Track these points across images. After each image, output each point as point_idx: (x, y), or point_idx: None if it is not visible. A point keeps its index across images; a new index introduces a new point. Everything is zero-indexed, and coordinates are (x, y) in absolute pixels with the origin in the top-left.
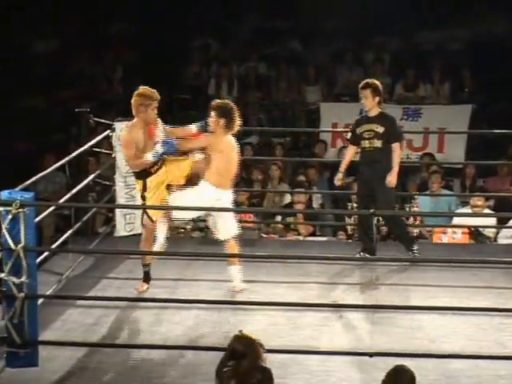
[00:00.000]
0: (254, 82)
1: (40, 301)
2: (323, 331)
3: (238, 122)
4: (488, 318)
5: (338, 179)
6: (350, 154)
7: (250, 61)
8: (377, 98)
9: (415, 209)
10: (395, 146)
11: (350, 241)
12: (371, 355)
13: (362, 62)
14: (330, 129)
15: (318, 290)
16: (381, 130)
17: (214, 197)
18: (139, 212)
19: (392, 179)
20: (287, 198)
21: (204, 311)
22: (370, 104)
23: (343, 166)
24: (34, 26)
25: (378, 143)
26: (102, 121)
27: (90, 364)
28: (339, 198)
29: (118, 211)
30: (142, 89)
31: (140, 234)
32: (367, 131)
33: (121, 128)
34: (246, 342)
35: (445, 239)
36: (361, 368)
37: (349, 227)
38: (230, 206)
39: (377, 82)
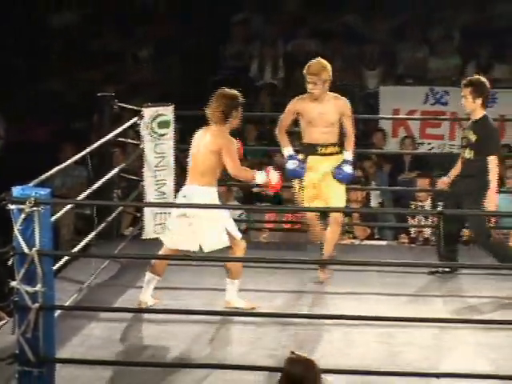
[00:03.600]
0: (303, 62)
1: (57, 312)
2: (381, 348)
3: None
4: None
5: (442, 182)
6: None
7: (297, 37)
8: (479, 100)
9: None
10: (490, 159)
11: (413, 245)
12: (438, 376)
13: (428, 39)
14: (391, 116)
15: (374, 302)
16: (473, 138)
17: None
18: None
19: (490, 202)
20: None
21: (245, 326)
22: (470, 106)
23: (453, 172)
24: None
25: (469, 154)
26: (129, 106)
27: None
28: (402, 196)
29: (147, 210)
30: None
31: None
32: (464, 138)
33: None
34: (304, 365)
35: None
36: None
37: (412, 229)
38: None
39: (482, 80)
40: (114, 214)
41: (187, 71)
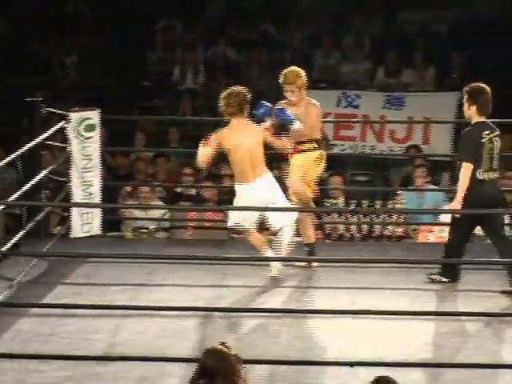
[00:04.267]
0: (223, 68)
1: None
2: (304, 339)
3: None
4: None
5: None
6: None
7: (217, 45)
8: (473, 107)
9: (398, 205)
10: (462, 166)
11: (327, 241)
12: (352, 365)
13: (340, 45)
14: None
15: (291, 295)
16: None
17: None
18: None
19: (455, 205)
20: None
21: (169, 319)
22: (466, 112)
23: None
24: None
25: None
26: (57, 111)
27: (46, 379)
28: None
29: (74, 210)
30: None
31: (99, 235)
32: None
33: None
34: (219, 358)
35: (431, 238)
36: (342, 379)
37: (327, 226)
38: None
39: (477, 87)
40: (42, 214)
41: (113, 77)
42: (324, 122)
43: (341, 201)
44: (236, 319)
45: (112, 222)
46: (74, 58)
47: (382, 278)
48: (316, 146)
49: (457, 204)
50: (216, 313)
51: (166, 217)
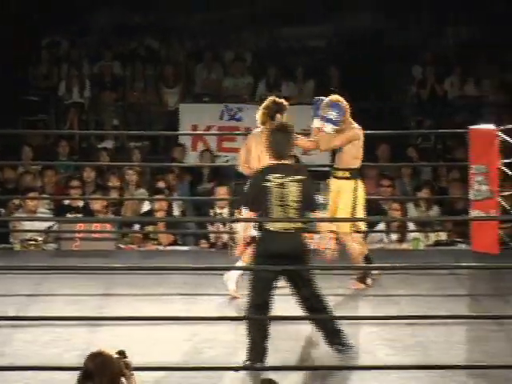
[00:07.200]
0: (109, 83)
1: None
2: (187, 346)
3: None
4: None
5: None
6: None
7: (103, 59)
8: None
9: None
10: None
11: (212, 249)
12: (237, 369)
13: (222, 60)
14: (190, 132)
15: (182, 302)
16: None
17: None
18: None
19: None
20: (146, 206)
21: (59, 328)
22: None
23: None
24: None
25: None
26: None
27: None
28: (202, 205)
29: None
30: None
31: None
32: None
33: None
34: (100, 360)
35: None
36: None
37: (211, 235)
38: None
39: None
40: None
41: None
42: (207, 134)
43: (226, 210)
44: (123, 327)
45: (0, 234)
46: None
47: None
48: (348, 175)
49: None
50: (104, 321)
51: (54, 228)
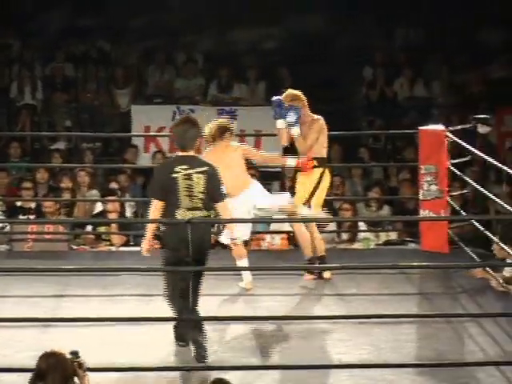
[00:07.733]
0: (61, 84)
1: None
2: (140, 346)
3: None
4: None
5: None
6: None
7: (55, 61)
8: None
9: None
10: None
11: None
12: (188, 370)
13: (174, 62)
14: (143, 133)
15: (135, 303)
16: None
17: None
18: None
19: None
20: (98, 207)
21: (12, 330)
22: None
23: None
24: None
25: None
26: None
27: None
28: None
29: None
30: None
31: None
32: None
33: None
34: (53, 360)
35: (264, 245)
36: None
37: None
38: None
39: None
40: None
41: None
42: (159, 136)
43: None
44: (76, 328)
45: None
46: None
47: None
48: (316, 164)
49: None
50: (57, 322)
51: (6, 230)
